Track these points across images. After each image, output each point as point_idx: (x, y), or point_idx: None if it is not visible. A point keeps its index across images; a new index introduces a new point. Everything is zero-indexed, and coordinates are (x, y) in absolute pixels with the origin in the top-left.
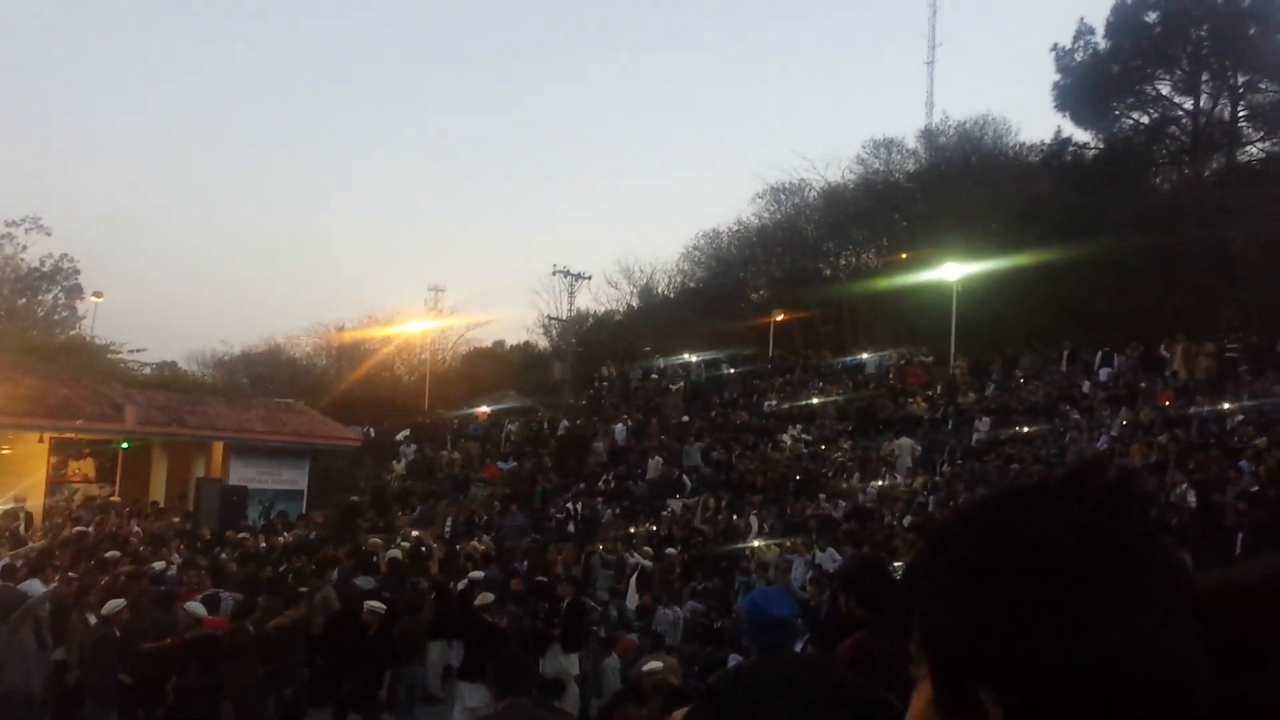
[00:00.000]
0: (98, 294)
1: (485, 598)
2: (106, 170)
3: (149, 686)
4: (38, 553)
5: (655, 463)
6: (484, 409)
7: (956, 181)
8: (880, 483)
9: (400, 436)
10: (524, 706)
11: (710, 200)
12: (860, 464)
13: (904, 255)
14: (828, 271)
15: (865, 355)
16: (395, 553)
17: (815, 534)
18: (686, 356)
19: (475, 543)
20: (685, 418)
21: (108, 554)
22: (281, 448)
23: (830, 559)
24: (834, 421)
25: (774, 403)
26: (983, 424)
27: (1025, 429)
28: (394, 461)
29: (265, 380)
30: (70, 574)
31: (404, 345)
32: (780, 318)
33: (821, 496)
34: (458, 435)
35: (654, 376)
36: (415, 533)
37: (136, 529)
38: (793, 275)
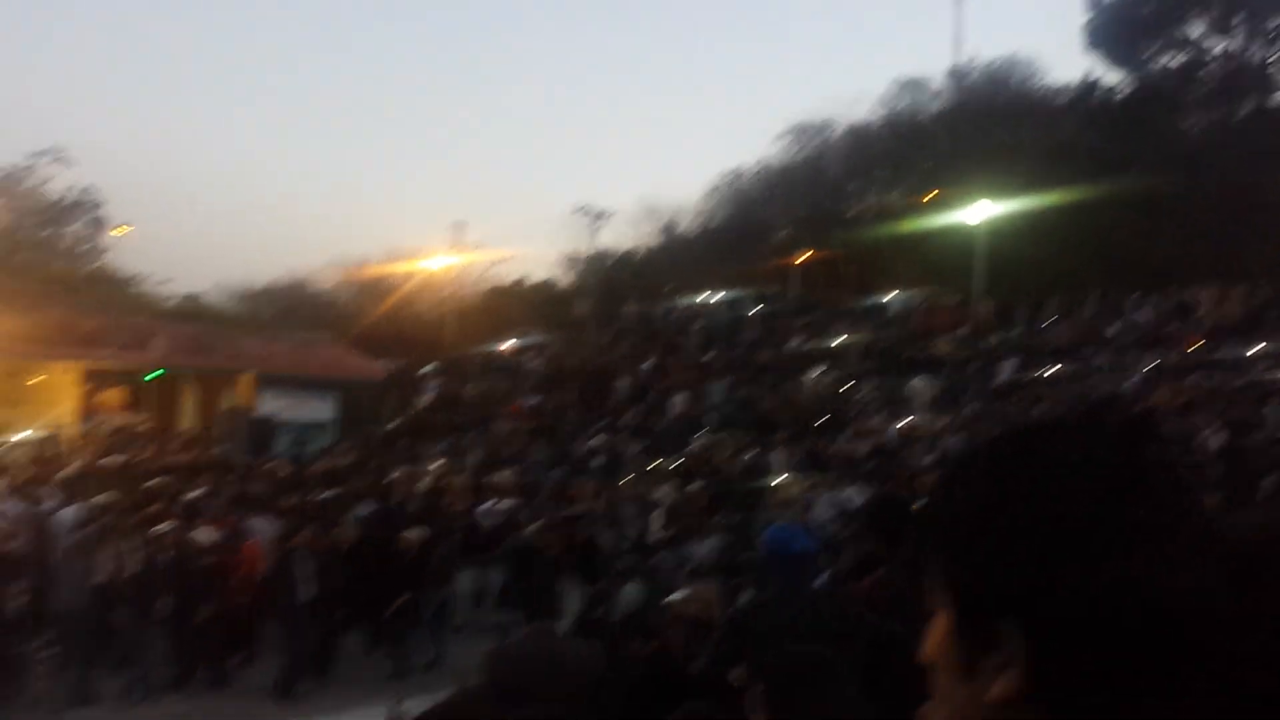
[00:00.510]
0: (122, 226)
1: (523, 527)
2: (129, 103)
3: (193, 609)
4: (76, 479)
5: (678, 400)
6: (507, 345)
7: (983, 122)
8: (903, 422)
9: (425, 370)
10: (547, 633)
11: (733, 140)
12: (883, 403)
13: (929, 196)
14: (852, 212)
15: (889, 296)
16: (424, 483)
17: (838, 472)
18: (709, 296)
19: (501, 476)
20: (708, 356)
21: (144, 482)
22: (309, 380)
23: (852, 497)
24: (857, 361)
25: (797, 342)
26: (1008, 365)
27: (1050, 371)
28: (419, 396)
29: (290, 314)
30: (107, 500)
31: (427, 281)
32: (804, 258)
33: (845, 435)
34: (482, 371)
35: (677, 314)
36: (441, 463)
37: (169, 457)
38: (816, 215)
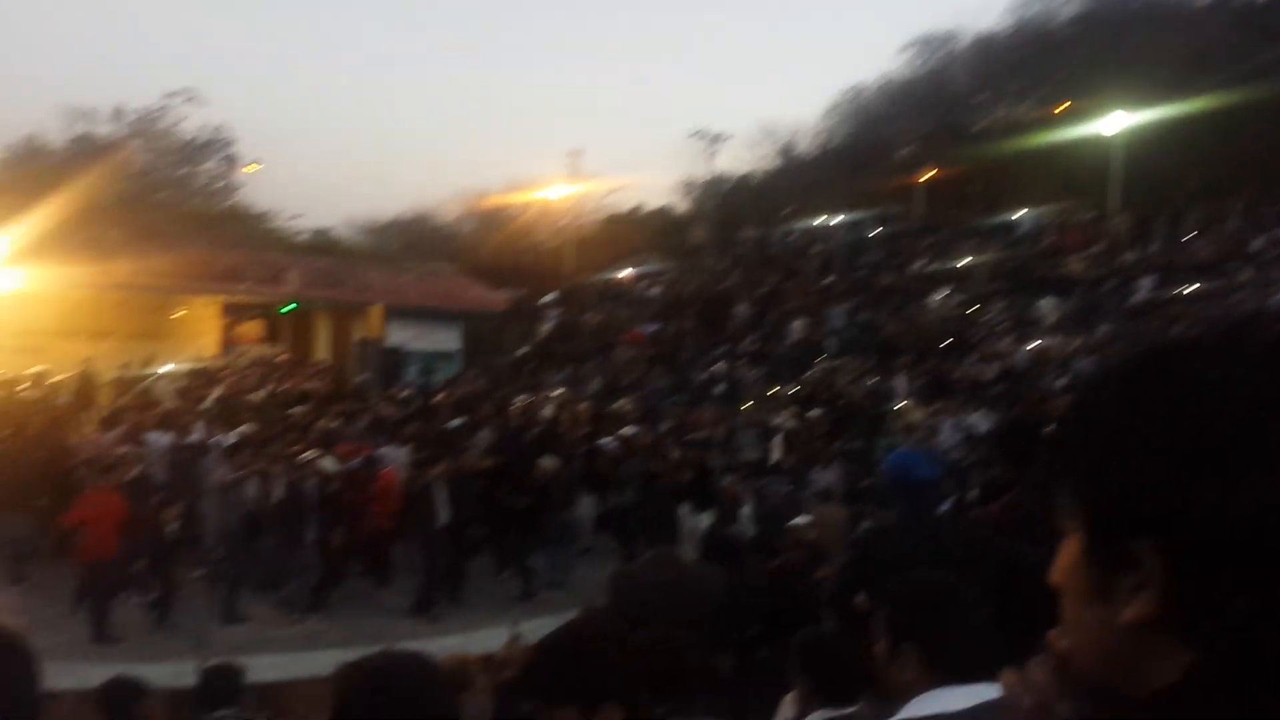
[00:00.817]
0: (255, 163)
1: (643, 454)
2: (257, 42)
3: (332, 533)
4: (219, 409)
5: (798, 325)
6: (625, 273)
7: (1119, 27)
8: (1033, 345)
9: (545, 300)
10: (669, 556)
11: (854, 55)
12: (1012, 326)
13: (1061, 107)
14: (979, 126)
15: (1019, 213)
16: (547, 411)
17: (963, 397)
18: (829, 218)
19: (623, 403)
20: (828, 280)
21: (283, 412)
22: (434, 311)
23: (978, 422)
24: (984, 282)
25: (921, 264)
26: (1145, 283)
27: (1190, 289)
28: (539, 325)
29: (415, 245)
30: (250, 430)
31: (545, 210)
32: (928, 176)
33: (970, 359)
34: (600, 299)
35: (796, 237)
36: (562, 392)
37: (305, 387)
38: (942, 130)
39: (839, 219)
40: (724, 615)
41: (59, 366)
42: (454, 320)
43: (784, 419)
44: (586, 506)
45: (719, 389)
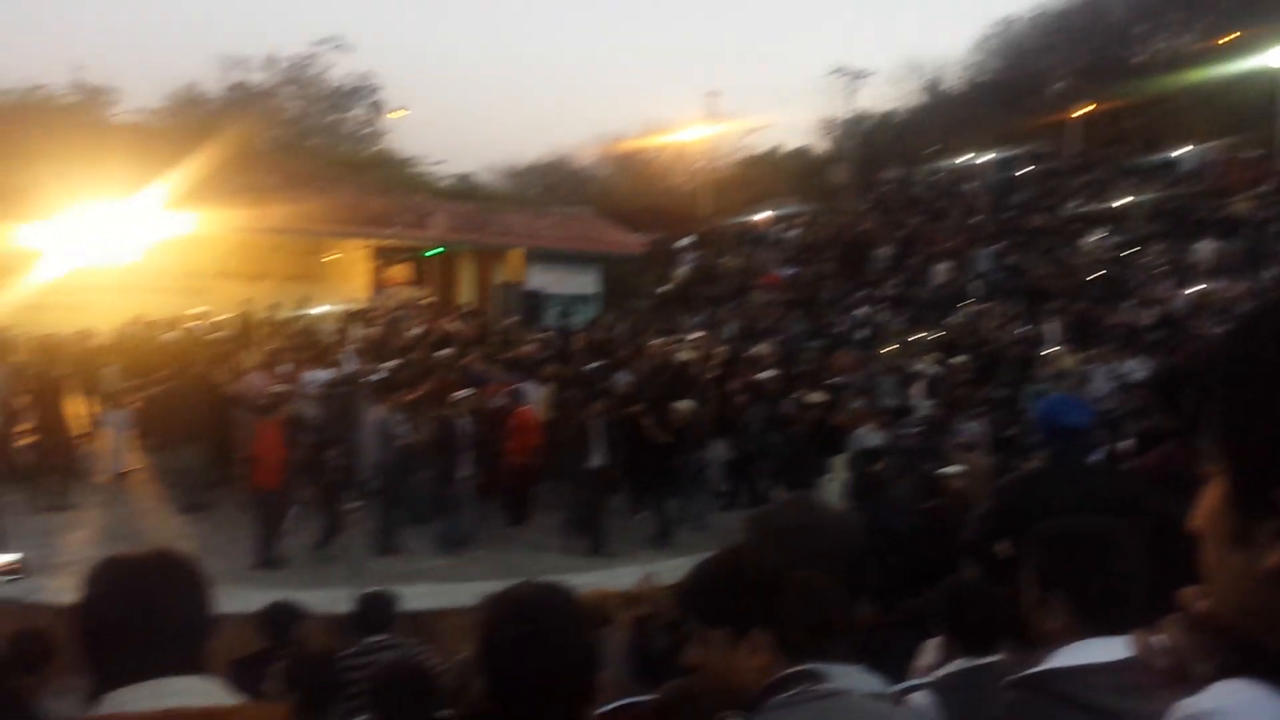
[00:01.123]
0: (400, 109)
1: (821, 397)
2: None
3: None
4: (371, 349)
5: (942, 268)
6: (763, 215)
7: None
8: (1193, 289)
9: (682, 244)
10: (806, 501)
11: None
12: (1171, 269)
13: (1228, 38)
14: (1139, 58)
15: (1180, 151)
16: (685, 355)
17: (1117, 343)
18: (977, 156)
19: (759, 347)
20: (975, 221)
21: (431, 352)
22: (573, 254)
23: (1134, 369)
24: (1142, 223)
25: (1075, 204)
26: None
27: None
28: (676, 268)
29: (554, 189)
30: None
31: (683, 152)
32: (1083, 111)
33: (1126, 303)
34: (738, 242)
35: (941, 178)
36: (699, 335)
37: (451, 327)
38: (1098, 63)
39: (987, 157)
40: (864, 561)
41: (219, 307)
42: (592, 263)
43: (926, 365)
44: (719, 450)
45: (858, 334)
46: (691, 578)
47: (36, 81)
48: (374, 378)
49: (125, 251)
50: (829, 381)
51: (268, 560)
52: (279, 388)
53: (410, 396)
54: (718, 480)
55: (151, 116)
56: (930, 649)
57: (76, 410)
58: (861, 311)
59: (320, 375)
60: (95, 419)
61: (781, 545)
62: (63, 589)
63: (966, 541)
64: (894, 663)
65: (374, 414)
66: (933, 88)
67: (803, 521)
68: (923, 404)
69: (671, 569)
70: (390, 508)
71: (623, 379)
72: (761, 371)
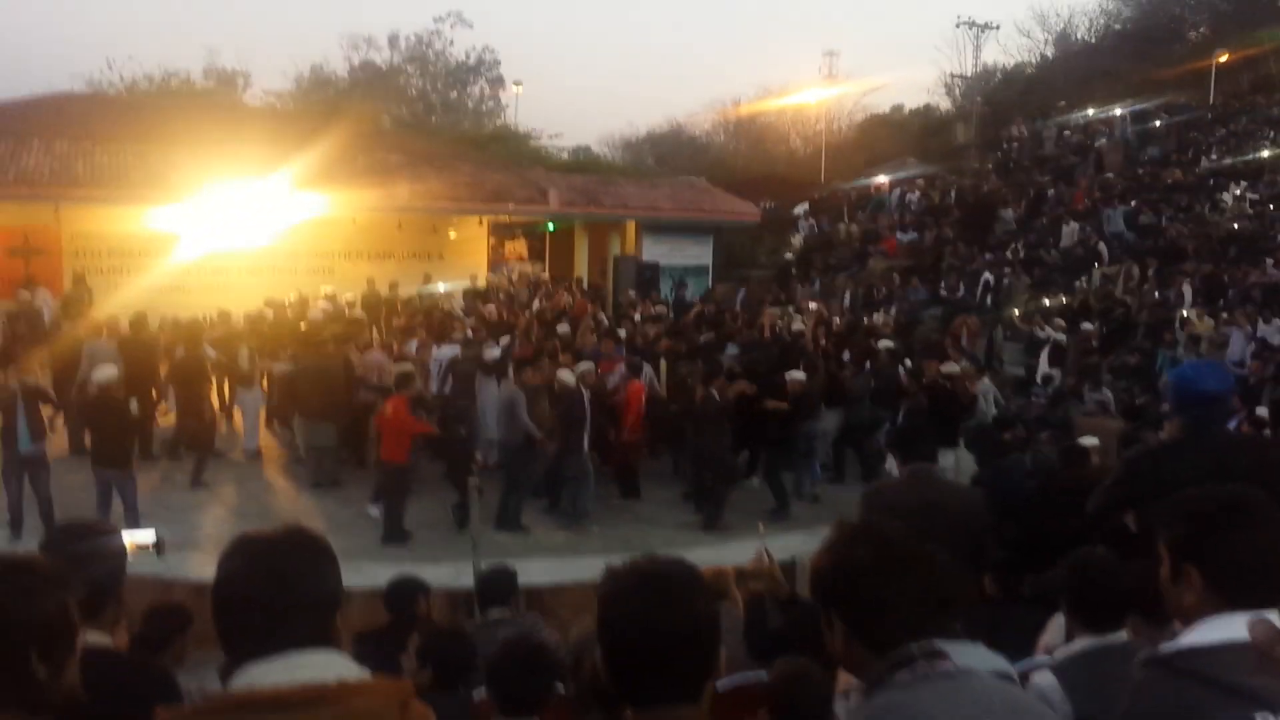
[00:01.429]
0: (517, 83)
1: (951, 368)
2: None
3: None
4: (493, 324)
5: (1071, 229)
6: (882, 179)
7: None
8: None
9: (798, 210)
10: (927, 472)
11: None
12: None
13: None
14: None
15: None
16: (799, 324)
17: (1258, 306)
18: (1110, 109)
19: (877, 316)
20: (1107, 177)
21: (550, 326)
22: (687, 224)
23: (1276, 332)
24: None
25: (1214, 158)
26: None
27: None
28: (792, 236)
29: (668, 159)
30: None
31: (798, 116)
32: (1224, 59)
33: (1269, 263)
34: (855, 207)
35: (1070, 134)
36: (814, 305)
37: (567, 302)
38: (1241, 7)
39: (1120, 110)
40: (985, 536)
41: (345, 286)
42: (707, 233)
43: (1053, 331)
44: (830, 422)
45: (982, 299)
46: (814, 565)
47: (173, 68)
48: (496, 354)
49: (257, 234)
50: (949, 349)
51: (395, 534)
52: (405, 364)
53: (532, 373)
54: (826, 452)
55: (281, 98)
56: (1054, 626)
57: (214, 390)
58: (986, 276)
59: (444, 351)
60: (230, 398)
61: (898, 519)
62: (198, 565)
63: (1093, 513)
64: (1017, 640)
65: (499, 390)
66: (1062, 39)
67: (921, 496)
68: (1050, 371)
69: (786, 545)
70: (514, 484)
71: (731, 351)
72: (879, 340)
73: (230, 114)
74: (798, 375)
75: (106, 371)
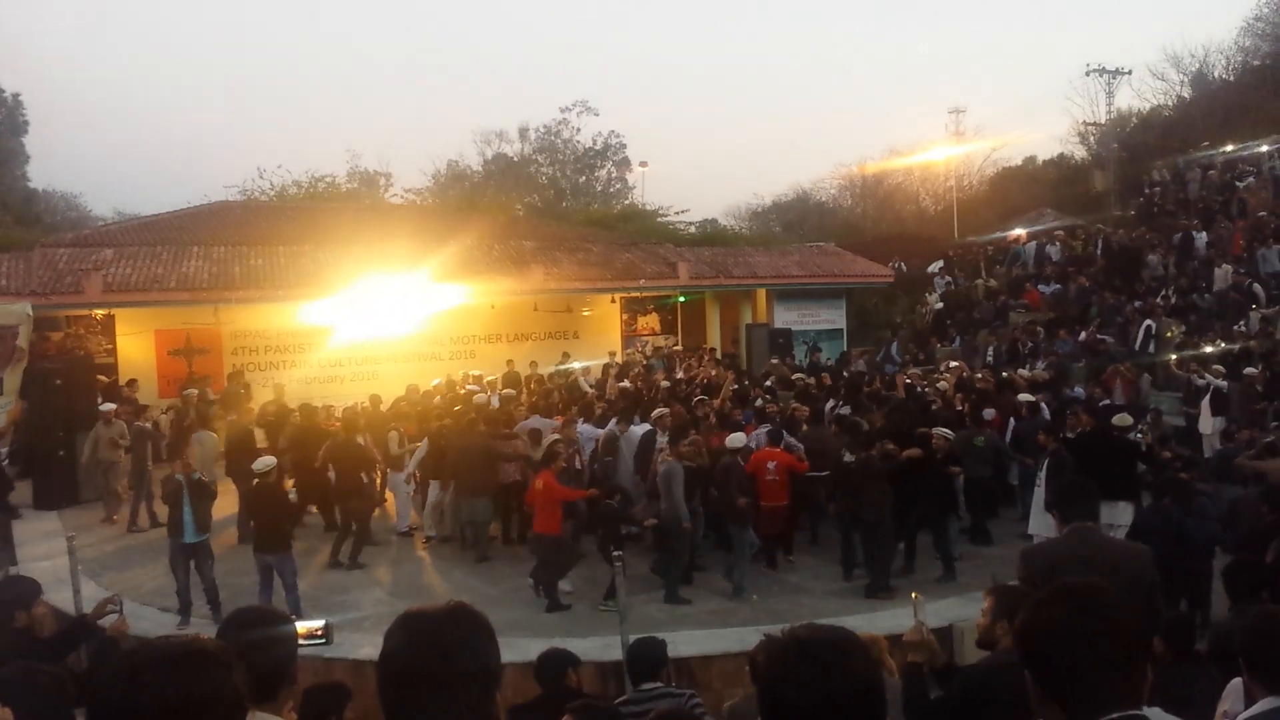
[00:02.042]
0: (643, 163)
1: (1124, 419)
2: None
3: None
4: (631, 398)
5: (1224, 271)
6: (1018, 231)
7: None
8: None
9: (932, 268)
10: (1089, 532)
11: None
12: None
13: None
14: None
15: None
16: (942, 382)
17: None
18: (1254, 146)
19: (1023, 370)
20: (1259, 216)
21: (686, 398)
22: (818, 289)
23: None
24: None
25: None
26: None
27: None
28: (927, 294)
29: (796, 226)
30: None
31: (927, 174)
32: None
33: None
34: (992, 262)
35: (1214, 174)
36: (956, 363)
37: (701, 373)
38: None
39: (1267, 147)
40: (1156, 594)
41: (487, 368)
42: (839, 296)
43: (1212, 378)
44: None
45: (1132, 348)
46: (1016, 624)
47: (319, 173)
48: (640, 427)
49: (402, 323)
50: (1102, 403)
51: (555, 604)
52: (555, 438)
53: (686, 445)
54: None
55: (420, 195)
56: (1233, 691)
57: (369, 472)
58: (1148, 323)
59: (587, 428)
60: (382, 482)
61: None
62: (356, 644)
63: (1273, 563)
64: (1193, 703)
65: (659, 463)
66: (1199, 79)
67: (1081, 553)
68: (1210, 420)
69: (940, 610)
70: (675, 556)
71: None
72: (1024, 394)
73: (374, 212)
74: (944, 432)
75: (265, 461)
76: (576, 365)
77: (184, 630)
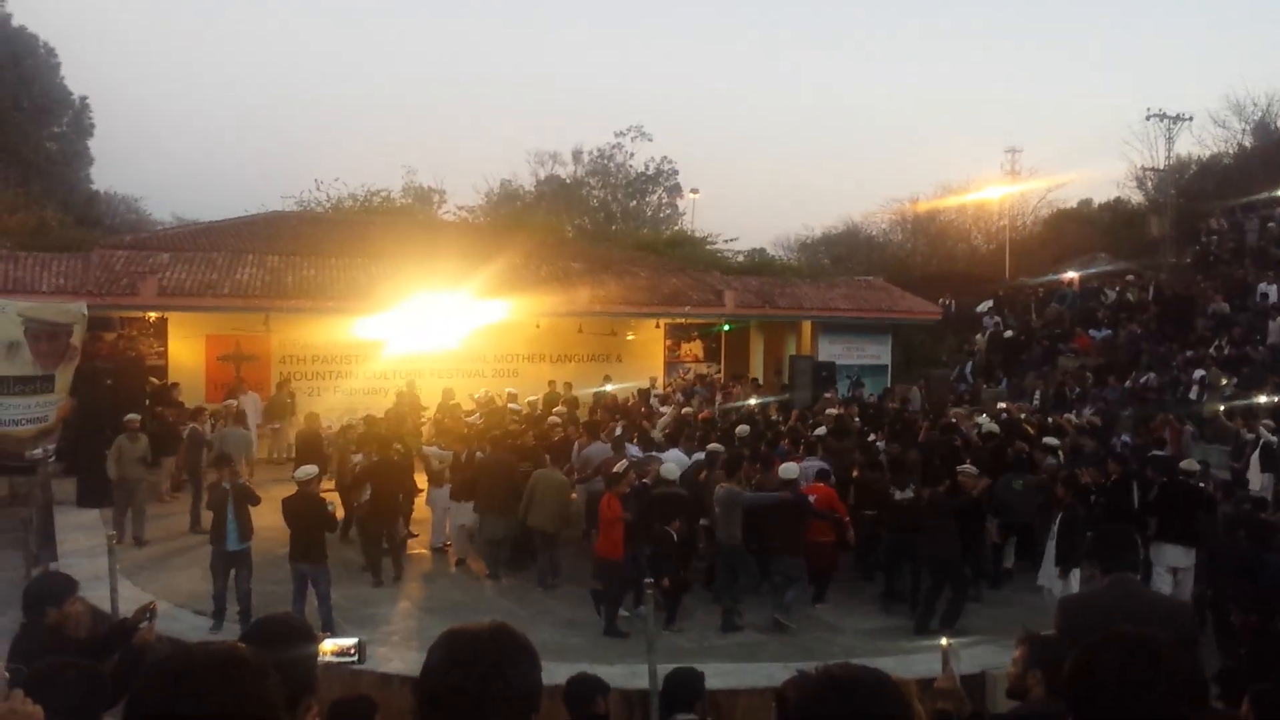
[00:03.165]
0: (694, 190)
1: (1191, 464)
2: (691, 71)
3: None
4: (674, 424)
5: (1278, 324)
6: (1071, 274)
7: None
8: None
9: (981, 308)
10: (1130, 583)
11: None
12: None
13: None
14: None
15: None
16: (990, 425)
17: None
18: None
19: (1070, 416)
20: None
21: (726, 427)
22: (864, 324)
23: None
24: None
25: None
26: None
27: None
28: (976, 334)
29: (844, 259)
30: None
31: (980, 213)
32: None
33: None
34: (1043, 304)
35: (1274, 225)
36: (1004, 405)
37: (743, 403)
38: None
39: None
40: (1195, 649)
41: (529, 387)
42: (885, 332)
43: (1263, 431)
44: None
45: (1183, 398)
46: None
47: (375, 188)
48: (679, 453)
49: (447, 339)
50: (1152, 453)
51: (615, 628)
52: (623, 462)
53: (749, 470)
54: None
55: (473, 212)
56: None
57: (407, 488)
58: (1187, 374)
59: (633, 449)
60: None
61: (1089, 630)
62: (384, 657)
63: None
64: None
65: (720, 491)
66: (1261, 128)
67: (1120, 605)
68: (1260, 476)
69: (971, 658)
70: (729, 583)
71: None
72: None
73: (426, 229)
74: (972, 470)
75: (306, 470)
76: (617, 387)
77: (216, 636)
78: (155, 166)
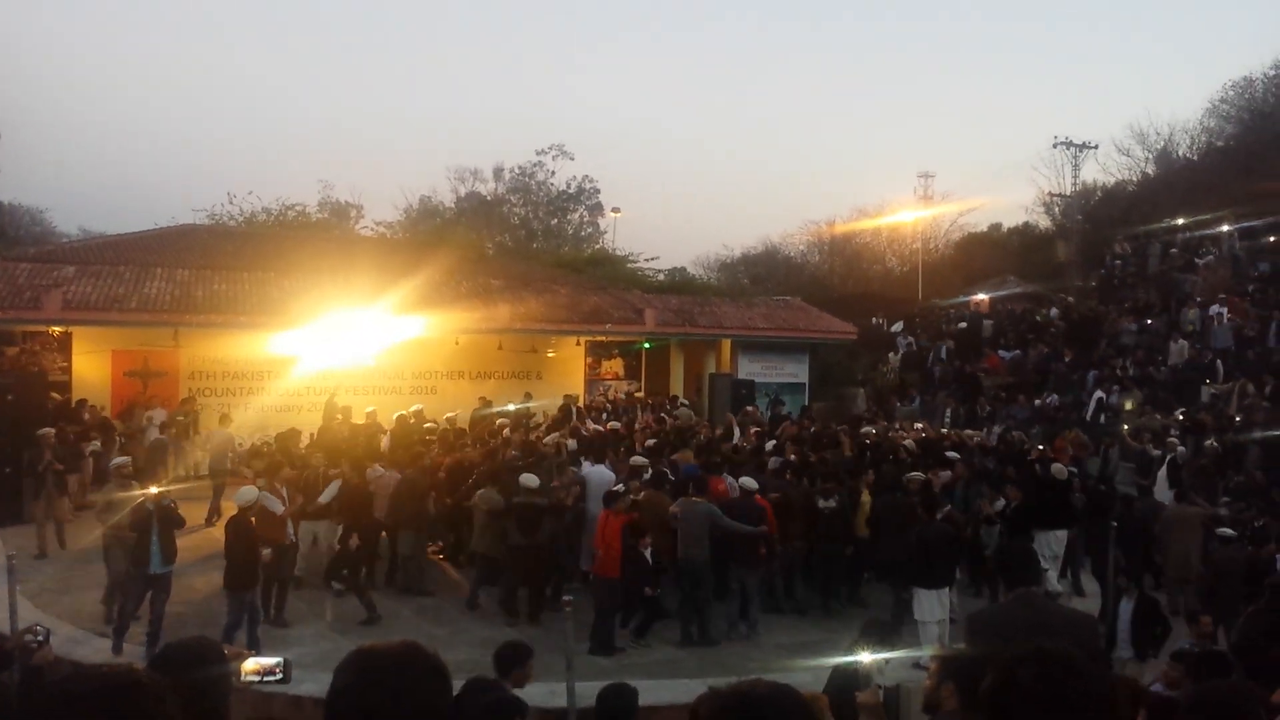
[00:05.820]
0: (615, 209)
1: (1060, 471)
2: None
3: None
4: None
5: (1179, 347)
6: (981, 296)
7: None
8: None
9: (895, 329)
10: (1034, 597)
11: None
12: None
13: None
14: None
15: None
16: (908, 442)
17: None
18: (1216, 226)
19: (969, 432)
20: (1218, 296)
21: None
22: (783, 343)
23: None
24: None
25: None
26: None
27: None
28: (890, 354)
29: (763, 279)
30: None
31: (895, 236)
32: None
33: None
34: (954, 324)
35: (1175, 251)
36: (920, 425)
37: (660, 422)
38: None
39: (1228, 226)
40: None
41: (448, 404)
42: (803, 351)
43: (1167, 449)
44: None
45: (1087, 416)
46: (982, 688)
47: (290, 202)
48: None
49: (364, 355)
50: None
51: (604, 647)
52: (623, 482)
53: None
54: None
55: (391, 228)
56: None
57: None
58: (1092, 393)
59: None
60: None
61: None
62: (297, 680)
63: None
64: None
65: (690, 505)
66: (1163, 157)
67: (1029, 620)
68: (1167, 491)
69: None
70: (704, 598)
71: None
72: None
73: (343, 244)
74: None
75: (246, 493)
76: (535, 404)
77: (117, 659)
78: (61, 178)
